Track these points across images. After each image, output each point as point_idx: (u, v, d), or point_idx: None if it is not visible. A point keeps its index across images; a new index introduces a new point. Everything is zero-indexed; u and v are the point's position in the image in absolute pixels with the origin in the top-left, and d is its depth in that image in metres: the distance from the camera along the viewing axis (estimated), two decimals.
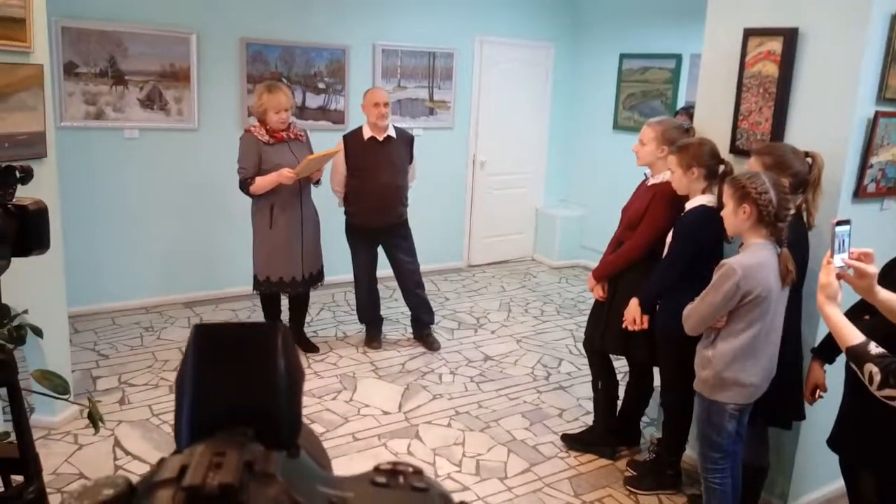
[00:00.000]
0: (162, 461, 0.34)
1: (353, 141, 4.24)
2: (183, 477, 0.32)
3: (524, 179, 6.79)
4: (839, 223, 1.75)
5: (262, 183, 3.83)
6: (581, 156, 6.77)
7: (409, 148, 4.37)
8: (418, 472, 0.37)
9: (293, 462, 0.36)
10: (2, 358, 1.18)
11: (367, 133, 4.21)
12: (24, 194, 1.37)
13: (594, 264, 3.33)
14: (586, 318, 3.47)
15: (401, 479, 0.37)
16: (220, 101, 5.07)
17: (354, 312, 4.79)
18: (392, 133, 4.25)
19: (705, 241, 2.76)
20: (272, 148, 3.89)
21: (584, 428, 3.53)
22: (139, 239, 4.97)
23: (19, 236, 1.23)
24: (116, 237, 4.89)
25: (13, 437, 1.28)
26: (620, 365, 3.45)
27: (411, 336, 4.70)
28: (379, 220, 4.26)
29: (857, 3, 2.57)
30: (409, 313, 4.64)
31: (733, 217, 2.37)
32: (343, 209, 4.38)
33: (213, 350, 0.38)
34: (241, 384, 0.37)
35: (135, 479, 0.34)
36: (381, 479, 0.37)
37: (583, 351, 3.60)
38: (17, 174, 1.26)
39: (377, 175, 4.18)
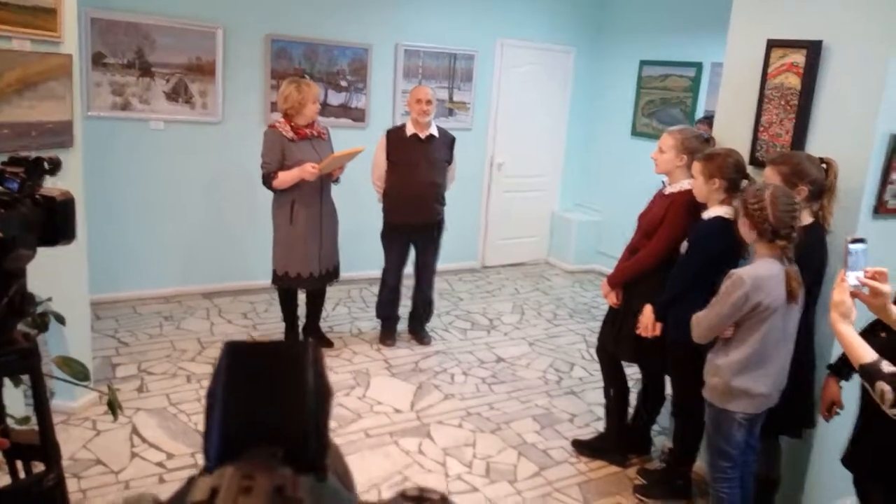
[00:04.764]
0: (192, 481, 0.35)
1: (395, 136, 4.33)
2: (214, 500, 0.33)
3: (541, 182, 6.79)
4: (854, 241, 1.75)
5: (284, 178, 3.88)
6: (598, 161, 6.76)
7: (450, 149, 4.44)
8: (444, 499, 0.37)
9: (321, 486, 0.37)
10: (26, 346, 1.21)
11: (409, 130, 4.29)
12: (51, 183, 1.40)
13: (609, 270, 3.33)
14: (599, 323, 3.47)
15: None
16: (243, 96, 5.13)
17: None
18: (434, 132, 4.32)
19: (718, 251, 2.75)
20: (296, 144, 3.93)
21: (594, 434, 3.53)
22: (162, 229, 5.04)
23: (46, 227, 1.26)
24: (139, 226, 4.96)
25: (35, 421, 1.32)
26: (632, 372, 3.45)
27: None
28: (416, 217, 4.32)
29: (883, 18, 2.54)
30: (411, 308, 4.72)
31: (741, 227, 2.42)
32: (378, 206, 4.44)
33: (243, 368, 0.38)
34: (270, 403, 0.38)
35: (163, 496, 0.34)
36: None
37: (595, 356, 3.60)
38: (46, 165, 1.29)
39: (416, 171, 4.25)
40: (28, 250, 1.21)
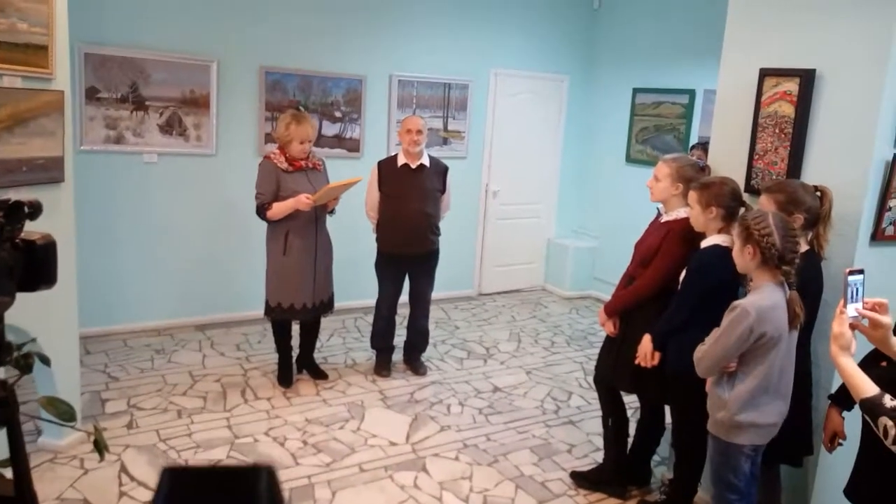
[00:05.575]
0: None
1: (386, 167, 4.33)
2: None
3: (536, 209, 6.79)
4: (852, 272, 1.72)
5: (279, 209, 3.86)
6: (593, 187, 6.77)
7: (443, 178, 4.42)
8: None
9: None
10: (2, 396, 1.17)
11: (401, 160, 4.29)
12: (40, 222, 1.37)
13: (606, 296, 3.30)
14: (597, 350, 3.43)
15: None
16: (238, 128, 5.13)
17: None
18: (426, 162, 4.32)
19: (717, 279, 2.72)
20: (290, 176, 3.92)
21: (593, 465, 3.47)
22: (154, 261, 5.01)
23: (26, 271, 1.23)
24: (132, 259, 4.93)
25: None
26: (631, 400, 3.40)
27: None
28: (409, 248, 4.31)
29: (876, 45, 2.55)
30: (406, 338, 4.68)
31: (740, 256, 2.38)
32: (372, 235, 4.44)
33: (185, 501, 0.33)
34: None
35: None
36: None
37: (593, 385, 3.55)
38: (26, 209, 1.26)
39: (408, 201, 4.24)
40: (6, 297, 1.17)
